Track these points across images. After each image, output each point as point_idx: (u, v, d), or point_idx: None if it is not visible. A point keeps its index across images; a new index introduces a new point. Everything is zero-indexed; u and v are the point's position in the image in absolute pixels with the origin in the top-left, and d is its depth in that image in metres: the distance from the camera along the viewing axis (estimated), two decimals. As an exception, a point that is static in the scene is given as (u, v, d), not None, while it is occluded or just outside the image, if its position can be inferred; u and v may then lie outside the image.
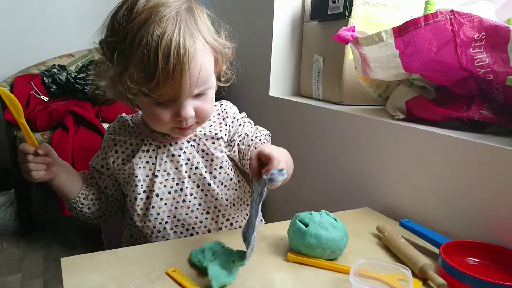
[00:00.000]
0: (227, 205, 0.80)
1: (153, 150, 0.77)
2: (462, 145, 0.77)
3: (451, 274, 0.60)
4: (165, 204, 0.77)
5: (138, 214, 0.77)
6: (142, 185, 0.76)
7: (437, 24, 0.79)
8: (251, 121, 0.85)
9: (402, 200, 0.92)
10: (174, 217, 0.77)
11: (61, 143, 1.67)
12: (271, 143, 0.78)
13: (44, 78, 2.04)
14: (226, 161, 0.80)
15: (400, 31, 0.84)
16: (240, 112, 0.85)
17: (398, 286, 0.58)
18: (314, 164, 1.23)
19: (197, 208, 0.78)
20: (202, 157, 0.78)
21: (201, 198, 0.78)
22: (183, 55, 0.60)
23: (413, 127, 0.88)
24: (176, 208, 0.77)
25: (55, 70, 2.07)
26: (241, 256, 0.62)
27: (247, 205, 0.85)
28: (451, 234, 0.78)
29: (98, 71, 0.71)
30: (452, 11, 0.79)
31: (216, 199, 0.79)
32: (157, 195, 0.76)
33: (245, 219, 0.83)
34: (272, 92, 1.48)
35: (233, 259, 0.62)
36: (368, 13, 1.17)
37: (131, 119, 0.82)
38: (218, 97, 0.80)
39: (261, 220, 0.91)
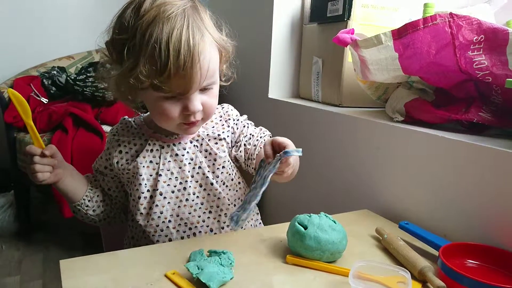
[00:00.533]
0: (229, 205, 0.81)
1: (157, 150, 0.78)
2: (461, 147, 0.77)
3: (450, 277, 0.60)
4: (168, 203, 0.78)
5: (141, 213, 0.77)
6: (146, 184, 0.77)
7: (436, 26, 0.80)
8: (253, 123, 0.87)
9: (401, 202, 0.92)
10: (177, 216, 0.78)
11: (61, 145, 1.67)
12: None
13: (44, 80, 2.05)
14: (228, 161, 0.82)
15: (399, 34, 0.85)
16: (241, 115, 0.87)
17: (397, 289, 0.58)
18: (313, 166, 1.24)
19: (200, 207, 0.79)
20: (205, 157, 0.80)
21: (203, 198, 0.79)
22: (193, 48, 0.63)
23: (412, 129, 0.88)
24: (179, 207, 0.78)
25: (55, 72, 2.08)
26: (236, 221, 0.64)
27: None
28: (451, 237, 0.78)
29: (102, 72, 0.72)
30: (451, 13, 0.79)
31: (219, 198, 0.80)
32: (161, 194, 0.77)
33: None
34: (272, 94, 1.49)
35: (220, 262, 0.62)
36: (367, 16, 1.17)
37: (133, 121, 0.83)
38: (219, 98, 0.80)
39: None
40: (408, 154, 0.90)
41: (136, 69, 0.64)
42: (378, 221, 0.88)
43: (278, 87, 1.49)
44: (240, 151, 0.82)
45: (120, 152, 0.78)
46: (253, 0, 1.57)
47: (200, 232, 0.79)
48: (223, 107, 0.86)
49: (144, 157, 0.77)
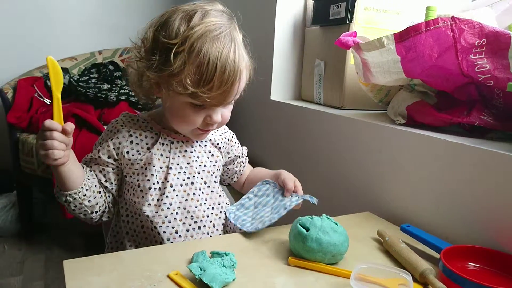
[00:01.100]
0: (227, 203, 0.89)
1: (167, 144, 0.82)
2: (463, 150, 0.78)
3: (451, 279, 0.60)
4: (177, 195, 0.81)
5: (149, 204, 0.79)
6: (156, 175, 0.80)
7: (438, 30, 0.80)
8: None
9: (403, 204, 0.92)
10: (184, 208, 0.81)
11: (63, 146, 1.68)
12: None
13: (47, 81, 2.05)
14: (220, 166, 0.91)
15: (401, 37, 0.85)
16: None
17: (398, 291, 0.58)
18: (315, 168, 1.24)
19: (205, 203, 0.84)
20: (208, 158, 0.86)
21: (207, 194, 0.85)
22: (237, 69, 0.71)
23: (414, 132, 0.89)
24: (186, 200, 0.82)
25: (58, 73, 2.08)
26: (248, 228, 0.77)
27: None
28: (452, 239, 0.78)
29: (139, 56, 0.75)
30: (453, 17, 0.79)
31: (220, 196, 0.87)
32: (171, 186, 0.80)
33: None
34: (274, 96, 1.49)
35: (223, 263, 0.63)
36: (370, 19, 1.18)
37: (138, 116, 0.85)
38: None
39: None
40: (409, 157, 0.90)
41: (181, 75, 0.69)
42: (380, 223, 0.89)
43: (280, 89, 1.50)
44: (232, 166, 0.96)
45: (131, 142, 0.80)
46: (255, 3, 1.57)
47: (204, 226, 0.83)
48: None
49: (158, 149, 0.81)
